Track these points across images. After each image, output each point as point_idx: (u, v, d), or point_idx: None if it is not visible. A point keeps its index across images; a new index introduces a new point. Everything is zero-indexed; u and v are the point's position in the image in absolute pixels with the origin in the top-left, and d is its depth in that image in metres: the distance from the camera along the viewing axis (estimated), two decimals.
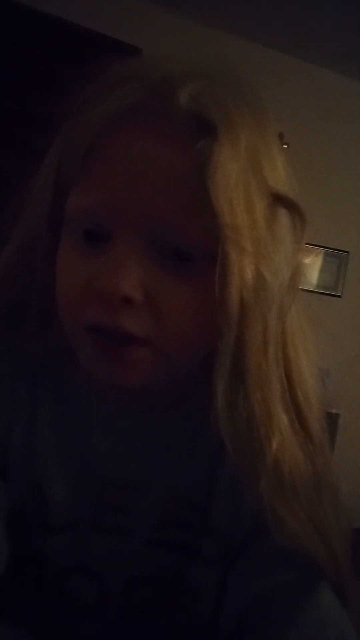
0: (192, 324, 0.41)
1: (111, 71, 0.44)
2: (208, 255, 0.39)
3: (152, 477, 0.49)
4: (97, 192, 0.40)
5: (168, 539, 0.50)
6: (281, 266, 0.42)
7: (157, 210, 0.39)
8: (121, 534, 0.49)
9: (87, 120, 0.41)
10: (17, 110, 2.23)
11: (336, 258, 2.97)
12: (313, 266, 2.98)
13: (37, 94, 2.15)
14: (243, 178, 0.40)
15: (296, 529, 0.43)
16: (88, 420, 0.49)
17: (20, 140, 1.99)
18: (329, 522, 0.45)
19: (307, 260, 2.95)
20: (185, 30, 2.48)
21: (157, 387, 0.46)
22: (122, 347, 0.41)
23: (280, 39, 2.59)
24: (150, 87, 0.41)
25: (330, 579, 0.45)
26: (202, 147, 0.38)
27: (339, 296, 2.95)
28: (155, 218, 0.40)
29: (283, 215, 0.43)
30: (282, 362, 0.44)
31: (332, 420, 2.66)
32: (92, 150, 0.41)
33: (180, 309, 0.40)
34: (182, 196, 0.39)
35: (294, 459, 0.43)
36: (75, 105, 0.44)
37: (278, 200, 0.42)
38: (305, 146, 2.66)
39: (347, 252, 2.95)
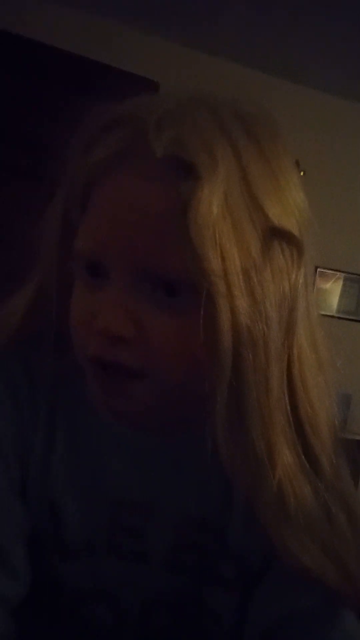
0: (183, 356, 0.42)
1: (104, 114, 0.45)
2: (196, 292, 0.39)
3: (166, 499, 0.48)
4: (91, 234, 0.43)
5: (184, 562, 0.49)
6: (277, 304, 0.41)
7: (144, 249, 0.40)
8: (137, 558, 0.49)
9: (83, 167, 0.44)
10: (32, 144, 2.28)
11: (356, 283, 2.96)
12: (333, 292, 2.97)
13: (52, 128, 2.21)
14: (232, 217, 0.39)
15: (306, 560, 0.43)
16: (102, 442, 0.49)
17: (32, 171, 2.04)
18: (347, 552, 0.44)
19: (327, 286, 2.96)
20: (195, 61, 2.54)
21: (161, 413, 0.46)
22: (120, 379, 0.43)
23: (293, 68, 2.65)
24: (134, 131, 0.42)
25: (351, 604, 0.45)
26: (184, 189, 0.39)
27: (359, 321, 2.93)
28: (143, 256, 0.41)
29: (282, 247, 0.42)
30: (287, 397, 0.43)
31: (356, 446, 2.59)
32: (89, 193, 0.43)
33: (170, 342, 0.42)
34: (167, 236, 0.40)
35: (299, 494, 0.43)
36: (72, 148, 0.45)
37: (274, 233, 0.42)
38: (322, 172, 2.69)
39: None
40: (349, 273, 2.92)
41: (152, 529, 0.48)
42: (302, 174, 0.45)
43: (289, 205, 0.43)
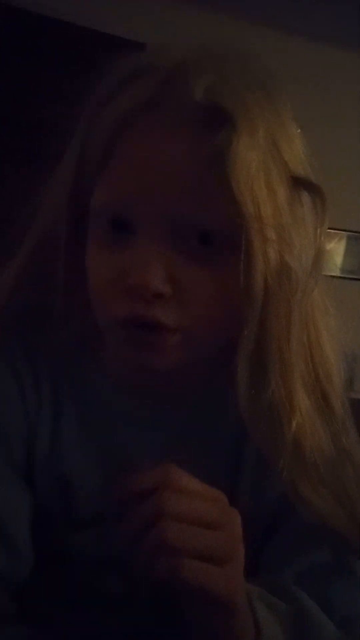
0: (217, 310, 0.42)
1: (122, 65, 0.44)
2: (230, 241, 0.40)
3: (176, 464, 0.49)
4: (119, 187, 0.42)
5: None
6: (304, 251, 0.43)
7: (179, 199, 0.40)
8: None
9: (103, 120, 0.42)
10: (17, 115, 2.24)
11: (358, 241, 2.93)
12: (337, 251, 2.95)
13: (38, 98, 2.17)
14: (263, 165, 0.40)
15: (320, 506, 0.44)
16: (110, 414, 0.50)
17: (20, 145, 2.01)
18: (355, 499, 0.45)
19: (330, 246, 2.93)
20: (185, 18, 2.46)
21: (183, 371, 0.46)
22: (155, 336, 0.43)
23: (282, 18, 2.56)
24: (164, 79, 0.42)
25: None
26: (221, 137, 0.39)
27: None
28: (177, 207, 0.41)
29: (304, 198, 0.44)
30: (306, 343, 0.45)
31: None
32: (112, 147, 0.42)
33: (206, 296, 0.42)
34: (203, 185, 0.40)
35: (315, 438, 0.44)
36: (89, 104, 0.45)
37: (299, 183, 0.43)
38: (321, 130, 2.62)
39: None
40: (352, 232, 2.89)
41: None
42: (298, 131, 0.45)
43: (304, 156, 0.45)
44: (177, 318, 0.42)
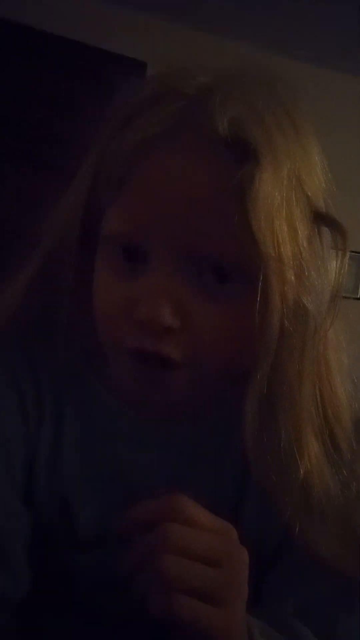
0: (227, 346, 0.41)
1: (143, 87, 0.44)
2: (245, 278, 0.39)
3: (179, 486, 0.47)
4: (135, 215, 0.41)
5: None
6: (322, 289, 0.42)
7: (195, 232, 0.39)
8: None
9: (121, 144, 0.41)
10: (11, 122, 2.26)
11: (354, 261, 2.94)
12: None
13: (43, 111, 2.19)
14: (286, 202, 0.40)
15: (324, 551, 0.42)
16: (113, 434, 0.49)
17: (15, 152, 2.02)
18: None
19: None
20: (186, 39, 2.49)
21: (191, 402, 0.46)
22: (160, 370, 0.42)
23: (284, 42, 2.59)
24: (187, 106, 0.40)
25: None
26: (243, 172, 0.38)
27: (358, 299, 2.94)
28: (194, 240, 0.40)
29: (324, 234, 0.43)
30: (317, 383, 0.43)
31: None
32: (128, 173, 0.41)
33: (216, 332, 0.41)
34: (221, 220, 0.39)
35: (323, 486, 0.43)
36: (107, 125, 0.44)
37: (320, 218, 0.42)
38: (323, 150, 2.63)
39: None
40: (350, 252, 2.90)
41: None
42: (320, 159, 0.46)
43: (326, 192, 0.44)
44: (185, 353, 0.41)
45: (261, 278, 0.39)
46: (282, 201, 0.39)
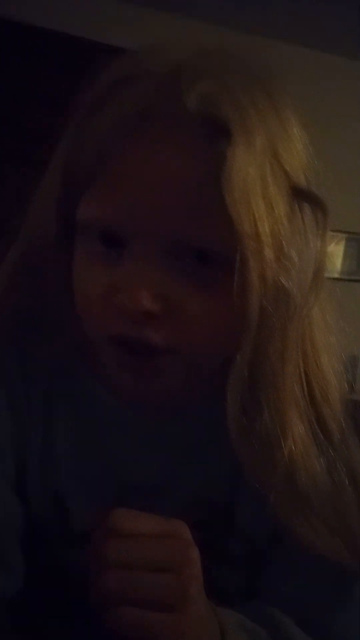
0: (212, 331, 0.41)
1: (114, 69, 0.42)
2: (228, 261, 0.38)
3: (173, 480, 0.48)
4: (111, 201, 0.40)
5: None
6: (303, 268, 0.41)
7: (175, 216, 0.39)
8: None
9: (94, 128, 0.40)
10: (11, 122, 2.24)
11: (356, 242, 2.94)
12: (336, 254, 2.95)
13: (43, 110, 2.17)
14: (261, 179, 0.38)
15: (313, 539, 0.42)
16: (106, 427, 0.48)
17: (15, 152, 2.00)
18: (357, 526, 0.43)
19: (329, 248, 2.93)
20: (177, 27, 2.46)
21: (179, 391, 0.45)
22: (146, 357, 0.41)
23: (276, 26, 2.56)
24: (157, 86, 0.39)
25: None
26: (217, 151, 0.37)
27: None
28: (173, 224, 0.39)
29: (305, 210, 0.42)
30: (302, 364, 0.43)
31: None
32: (102, 157, 0.40)
33: (200, 316, 0.40)
34: (199, 201, 0.38)
35: (309, 470, 0.42)
36: (79, 110, 0.43)
37: (299, 194, 0.41)
38: (318, 131, 2.62)
39: None
40: (350, 233, 2.89)
41: (159, 510, 0.48)
42: (301, 133, 0.44)
43: (307, 167, 0.43)
44: (170, 338, 0.40)
45: (238, 258, 0.38)
46: (257, 177, 0.38)
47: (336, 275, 2.89)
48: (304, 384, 0.43)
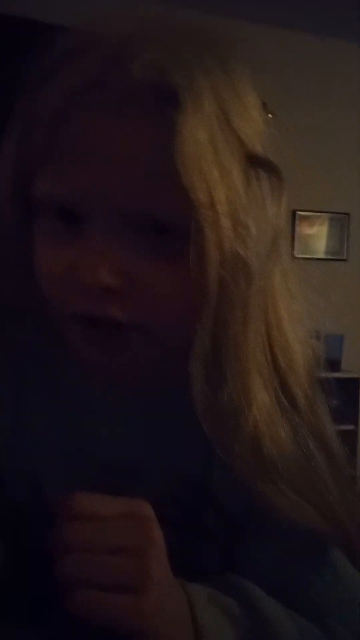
0: (175, 305, 0.40)
1: (65, 39, 0.42)
2: (187, 232, 0.38)
3: (148, 457, 0.47)
4: (65, 176, 0.39)
5: (168, 517, 0.49)
6: (261, 236, 0.40)
7: (129, 188, 0.38)
8: None
9: (43, 102, 0.39)
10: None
11: (338, 222, 2.96)
12: (320, 234, 2.97)
13: None
14: (212, 145, 0.38)
15: (285, 507, 0.42)
16: (80, 406, 0.48)
17: None
18: (327, 492, 0.43)
19: (313, 230, 2.95)
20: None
21: (149, 368, 0.45)
22: (110, 333, 0.41)
23: (253, 6, 2.53)
24: (105, 56, 0.39)
25: (337, 544, 0.45)
26: (166, 118, 0.36)
27: (344, 260, 2.95)
28: (128, 196, 0.38)
29: (260, 176, 0.41)
30: (265, 333, 0.43)
31: (353, 384, 2.64)
32: (53, 131, 0.39)
33: (163, 290, 0.40)
34: (154, 171, 0.38)
35: (274, 436, 0.42)
36: (29, 84, 0.41)
37: (254, 161, 0.40)
38: (295, 113, 2.62)
39: (347, 214, 2.94)
40: (333, 212, 2.91)
41: (136, 487, 0.46)
42: (269, 116, 0.44)
43: (263, 135, 0.42)
44: (133, 313, 0.40)
45: (193, 227, 0.37)
46: (208, 143, 0.37)
47: (321, 256, 2.92)
48: (267, 352, 0.43)
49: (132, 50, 0.38)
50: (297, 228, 2.84)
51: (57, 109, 0.39)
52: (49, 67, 0.40)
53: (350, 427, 2.49)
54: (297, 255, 2.73)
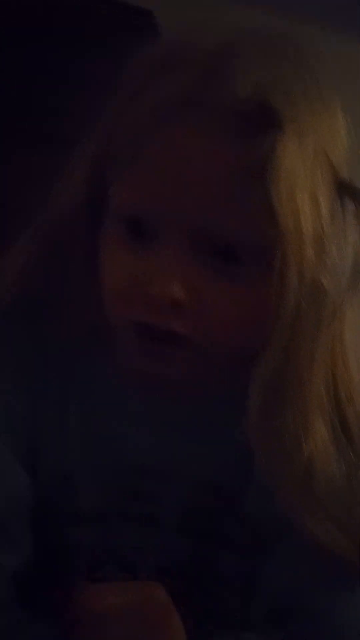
0: (236, 327, 0.41)
1: (154, 51, 0.42)
2: (260, 257, 0.38)
3: (182, 465, 0.48)
4: (145, 191, 0.40)
5: (197, 527, 0.49)
6: (341, 265, 0.40)
7: (209, 209, 0.39)
8: (149, 523, 0.49)
9: (134, 112, 0.40)
10: (22, 98, 2.17)
11: None
12: None
13: (45, 79, 2.10)
14: (311, 175, 0.38)
15: (323, 538, 0.41)
16: (117, 411, 0.48)
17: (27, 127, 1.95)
18: None
19: None
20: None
21: (192, 379, 0.45)
22: (167, 346, 0.41)
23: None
24: (204, 71, 0.39)
25: None
26: (265, 141, 0.37)
27: None
28: (206, 217, 0.39)
29: (345, 203, 0.41)
30: (329, 363, 0.42)
31: None
32: (140, 142, 0.40)
33: (226, 311, 0.40)
34: (239, 194, 0.38)
35: (327, 472, 0.41)
36: (118, 94, 0.42)
37: (342, 187, 0.41)
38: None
39: None
40: None
41: (166, 494, 0.48)
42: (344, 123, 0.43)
43: (346, 156, 0.42)
44: (192, 329, 0.41)
45: (279, 255, 0.37)
46: (307, 173, 0.38)
47: None
48: (330, 384, 0.42)
49: (233, 68, 0.38)
50: None
51: (145, 121, 0.39)
52: (140, 78, 0.41)
53: None
54: None
